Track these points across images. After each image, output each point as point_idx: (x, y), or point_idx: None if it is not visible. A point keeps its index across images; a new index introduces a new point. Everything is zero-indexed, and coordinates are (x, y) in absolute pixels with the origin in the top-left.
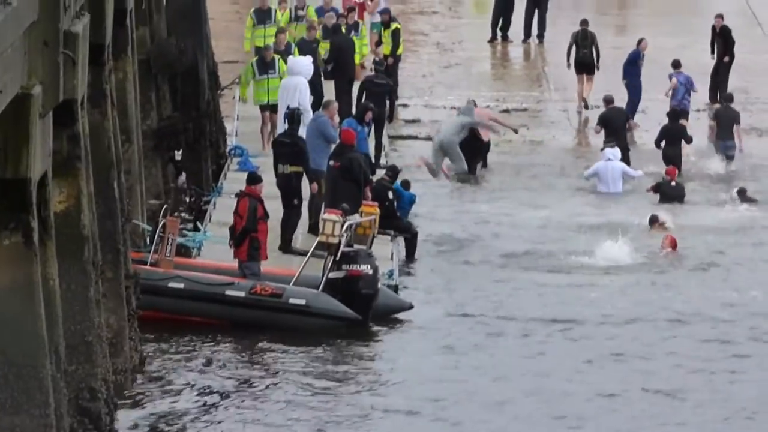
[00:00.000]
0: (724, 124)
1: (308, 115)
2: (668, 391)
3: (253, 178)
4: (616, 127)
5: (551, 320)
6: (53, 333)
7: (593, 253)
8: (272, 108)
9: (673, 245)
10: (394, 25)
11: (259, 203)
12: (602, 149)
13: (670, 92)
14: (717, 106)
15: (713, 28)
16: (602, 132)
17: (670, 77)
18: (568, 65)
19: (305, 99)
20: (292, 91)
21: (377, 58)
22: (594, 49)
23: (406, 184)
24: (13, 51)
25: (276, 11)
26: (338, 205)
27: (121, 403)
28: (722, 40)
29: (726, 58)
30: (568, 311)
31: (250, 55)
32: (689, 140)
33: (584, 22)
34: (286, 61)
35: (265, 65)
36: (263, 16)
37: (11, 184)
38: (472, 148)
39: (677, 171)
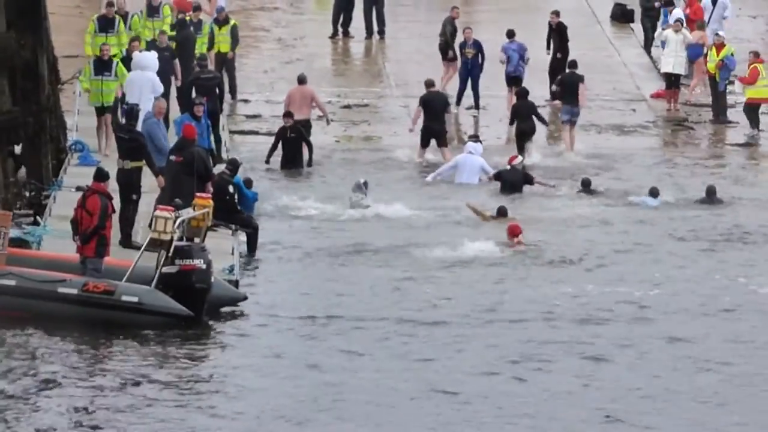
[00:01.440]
0: (570, 90)
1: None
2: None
3: (102, 175)
4: (436, 110)
5: (382, 318)
6: None
7: (436, 247)
8: (107, 110)
9: (517, 233)
10: (232, 22)
11: (109, 201)
12: (465, 142)
13: (505, 60)
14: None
15: (549, 24)
16: (420, 110)
17: (502, 48)
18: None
19: (151, 96)
20: (146, 87)
21: (198, 54)
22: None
23: (248, 183)
24: None
25: (120, 21)
26: (179, 199)
27: None
28: (558, 36)
29: (559, 54)
30: (402, 307)
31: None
32: (545, 122)
33: (573, 64)
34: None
35: (101, 66)
36: (106, 24)
37: None
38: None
39: (519, 157)
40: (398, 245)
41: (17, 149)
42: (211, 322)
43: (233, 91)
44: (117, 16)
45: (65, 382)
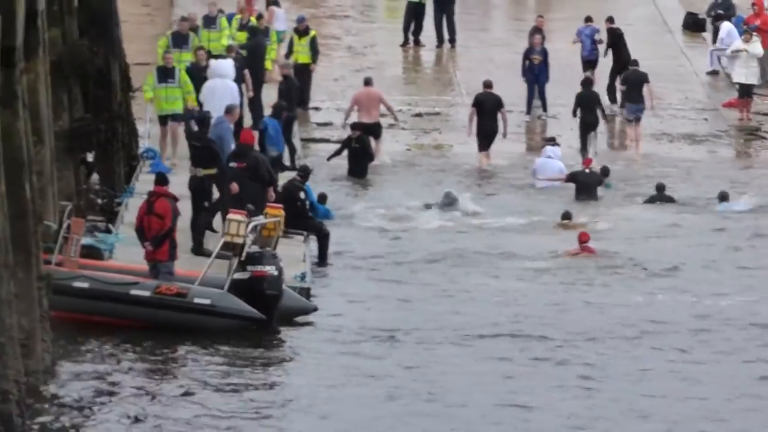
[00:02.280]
0: (633, 87)
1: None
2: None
3: (163, 179)
4: (488, 109)
5: (454, 329)
6: None
7: (506, 254)
8: (172, 118)
9: (585, 240)
10: (312, 33)
11: (176, 202)
12: (543, 146)
13: (579, 44)
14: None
15: (608, 30)
16: (474, 110)
17: (577, 31)
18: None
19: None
20: (226, 94)
21: (290, 62)
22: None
23: (322, 198)
24: None
25: (193, 37)
26: (244, 205)
27: (33, 405)
28: (611, 41)
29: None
30: (472, 319)
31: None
32: (606, 117)
33: (635, 63)
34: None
35: (165, 74)
36: (180, 39)
37: None
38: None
39: (592, 160)
40: (470, 254)
41: (89, 156)
42: (280, 333)
43: (305, 101)
44: (190, 32)
45: (131, 387)
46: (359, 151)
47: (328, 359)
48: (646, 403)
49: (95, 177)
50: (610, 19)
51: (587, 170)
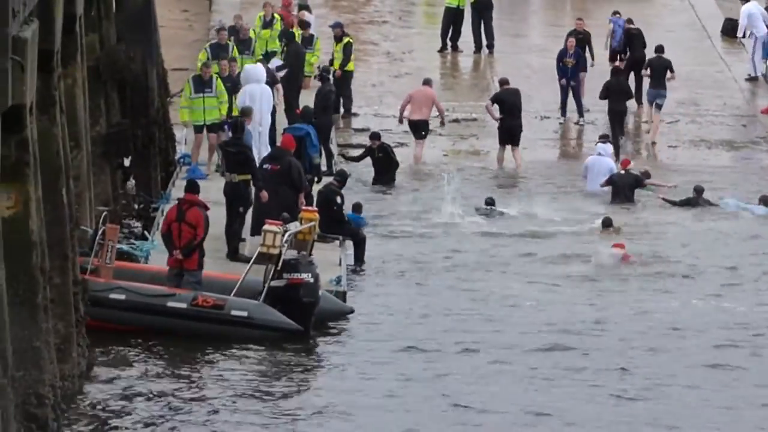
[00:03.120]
0: (657, 74)
1: (267, 123)
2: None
3: (194, 186)
4: (509, 106)
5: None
6: (1, 339)
7: (545, 259)
8: (209, 128)
9: (622, 246)
10: (346, 39)
11: (207, 211)
12: (596, 143)
13: (610, 34)
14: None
15: (625, 31)
16: (496, 108)
17: (609, 21)
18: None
19: (270, 107)
20: (266, 97)
21: (322, 65)
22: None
23: (357, 208)
24: None
25: (233, 46)
26: (274, 209)
27: (69, 409)
28: (629, 41)
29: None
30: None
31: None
32: (632, 96)
33: (659, 49)
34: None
35: (202, 84)
36: (219, 49)
37: None
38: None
39: (630, 161)
40: (508, 260)
41: (126, 162)
42: (318, 337)
43: (347, 108)
44: (229, 42)
45: (166, 393)
46: (383, 160)
47: (363, 366)
48: (683, 412)
49: (132, 182)
50: (630, 21)
51: (623, 171)
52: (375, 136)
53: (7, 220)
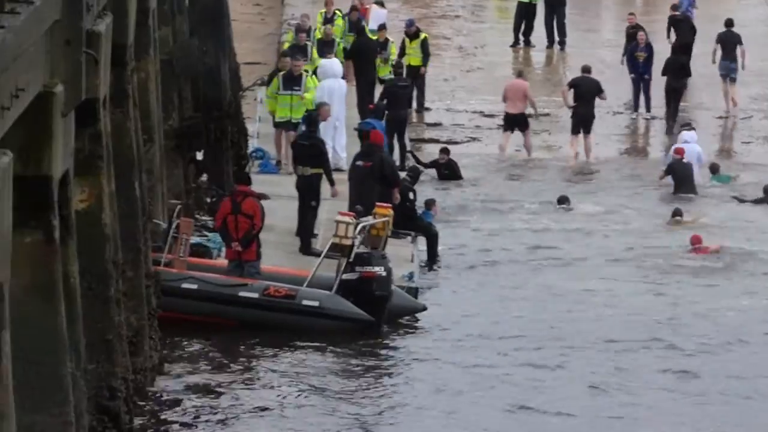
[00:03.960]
0: (728, 48)
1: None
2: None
3: (247, 178)
4: (585, 94)
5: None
6: (73, 331)
7: (617, 257)
8: (294, 126)
9: (699, 240)
10: (422, 35)
11: (260, 200)
12: (679, 132)
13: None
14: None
15: (669, 18)
16: (571, 93)
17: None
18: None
19: (343, 102)
20: (342, 92)
21: (394, 61)
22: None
23: (429, 204)
24: (36, 50)
25: (312, 47)
26: (366, 205)
27: (141, 402)
28: (674, 27)
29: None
30: (580, 323)
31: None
32: (690, 73)
33: (729, 23)
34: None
35: (291, 80)
36: (298, 50)
37: (33, 182)
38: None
39: (684, 149)
40: (580, 255)
41: (199, 155)
42: (389, 334)
43: (420, 104)
44: (308, 43)
45: (236, 387)
46: (447, 176)
47: (437, 363)
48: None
49: (204, 176)
50: (674, 7)
51: (684, 160)
52: (444, 150)
53: (81, 213)
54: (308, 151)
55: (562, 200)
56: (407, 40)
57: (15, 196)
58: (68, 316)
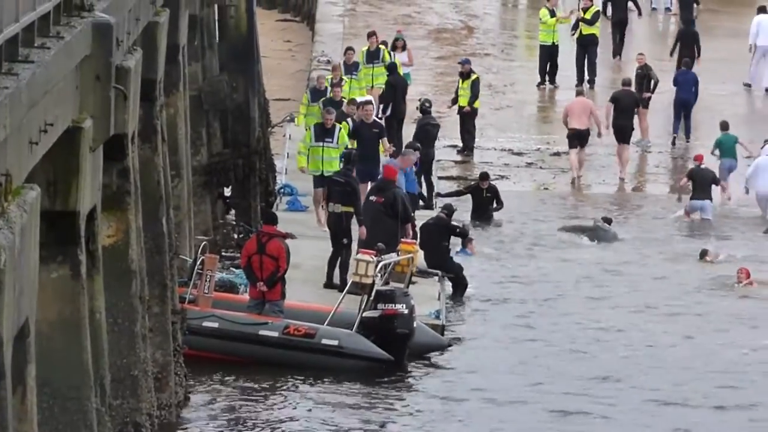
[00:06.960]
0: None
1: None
2: None
3: (273, 218)
4: (624, 106)
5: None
6: (99, 366)
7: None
8: (326, 180)
9: (747, 274)
10: (474, 76)
11: (285, 240)
12: (762, 146)
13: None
14: None
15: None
16: (611, 106)
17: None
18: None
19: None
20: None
21: (422, 98)
22: None
23: (466, 241)
24: (65, 85)
25: (348, 81)
26: (377, 241)
27: None
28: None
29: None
30: (618, 361)
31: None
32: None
33: None
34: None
35: (323, 132)
36: (318, 95)
37: (60, 216)
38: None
39: (703, 156)
40: (614, 290)
41: (227, 191)
42: (412, 371)
43: (469, 145)
44: (327, 86)
45: (261, 423)
46: (489, 200)
47: (460, 405)
48: None
49: (232, 212)
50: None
51: (702, 166)
52: (484, 176)
53: (108, 249)
54: (341, 188)
55: (606, 220)
56: (460, 80)
57: (42, 230)
58: (94, 352)
